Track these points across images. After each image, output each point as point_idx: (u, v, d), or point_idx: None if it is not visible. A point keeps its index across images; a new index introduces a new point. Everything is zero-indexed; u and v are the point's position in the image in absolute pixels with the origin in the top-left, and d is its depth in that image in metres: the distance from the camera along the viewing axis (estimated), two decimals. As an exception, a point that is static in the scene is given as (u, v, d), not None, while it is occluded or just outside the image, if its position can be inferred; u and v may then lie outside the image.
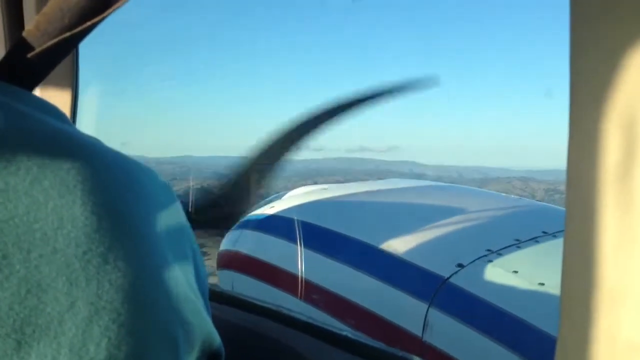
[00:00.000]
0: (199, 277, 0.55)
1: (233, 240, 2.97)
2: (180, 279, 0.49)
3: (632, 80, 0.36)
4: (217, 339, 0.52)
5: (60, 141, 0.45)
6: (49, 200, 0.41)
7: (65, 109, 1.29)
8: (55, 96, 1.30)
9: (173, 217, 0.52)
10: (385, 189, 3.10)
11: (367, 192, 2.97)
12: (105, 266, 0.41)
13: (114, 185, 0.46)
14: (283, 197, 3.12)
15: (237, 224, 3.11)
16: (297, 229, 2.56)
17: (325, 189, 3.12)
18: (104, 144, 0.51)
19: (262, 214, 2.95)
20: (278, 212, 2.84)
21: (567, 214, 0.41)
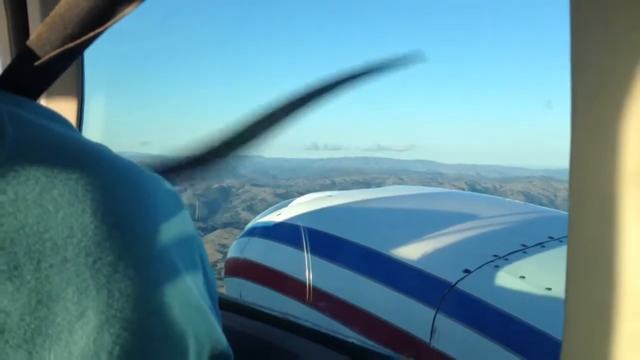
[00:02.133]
0: (208, 284, 0.56)
1: (240, 248, 2.97)
2: (190, 287, 0.49)
3: (629, 81, 0.36)
4: (227, 347, 0.53)
5: (67, 150, 0.45)
6: (59, 209, 0.41)
7: (71, 115, 1.29)
8: (61, 103, 1.31)
9: (181, 224, 0.52)
10: (390, 196, 3.10)
11: (373, 199, 2.97)
12: (115, 275, 0.41)
13: (123, 193, 0.46)
14: (289, 205, 3.13)
15: (244, 232, 3.12)
16: (303, 235, 2.56)
17: (330, 196, 3.12)
18: (111, 151, 0.51)
19: (268, 222, 2.96)
20: (284, 220, 2.85)
21: (570, 216, 0.41)
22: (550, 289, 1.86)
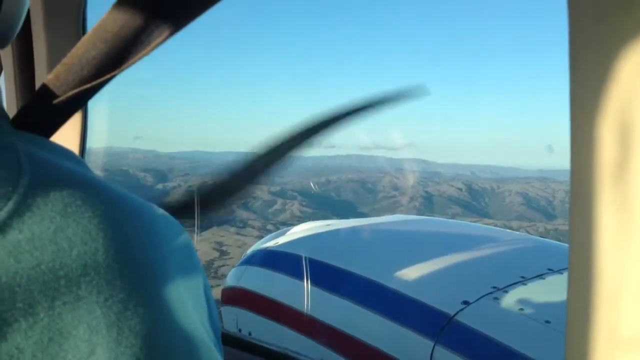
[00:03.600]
0: (212, 319, 0.56)
1: (237, 277, 2.96)
2: (197, 323, 0.49)
3: (628, 82, 0.36)
4: None
5: (81, 188, 0.46)
6: (73, 247, 0.42)
7: (75, 138, 1.30)
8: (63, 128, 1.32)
9: (189, 261, 0.53)
10: (389, 226, 3.10)
11: (371, 229, 2.97)
12: (126, 312, 0.42)
13: (134, 232, 0.47)
14: (287, 233, 3.12)
15: (241, 260, 3.11)
16: (302, 265, 2.55)
17: (328, 225, 3.12)
18: (122, 189, 0.52)
19: (266, 250, 2.95)
20: (282, 248, 2.84)
21: (570, 218, 0.41)
22: (549, 322, 1.86)
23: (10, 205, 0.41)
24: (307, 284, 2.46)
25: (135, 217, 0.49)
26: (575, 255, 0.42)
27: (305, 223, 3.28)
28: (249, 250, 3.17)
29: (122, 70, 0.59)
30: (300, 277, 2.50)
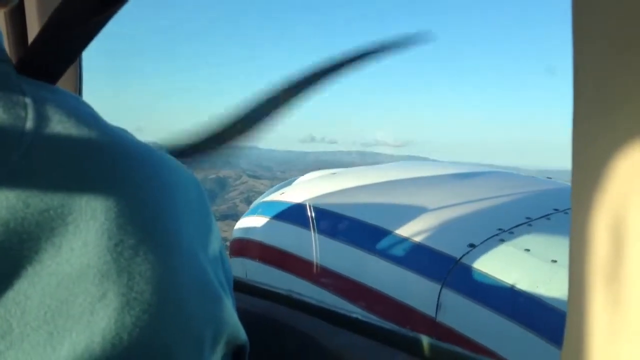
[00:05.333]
0: (225, 269, 0.56)
1: (245, 228, 2.98)
2: (209, 273, 0.49)
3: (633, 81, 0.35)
4: (242, 333, 0.53)
5: (92, 133, 0.45)
6: (83, 193, 0.41)
7: None
8: None
9: (202, 212, 0.52)
10: (394, 171, 3.08)
11: (377, 175, 2.96)
12: (136, 258, 0.42)
13: (146, 179, 0.46)
14: (293, 183, 3.12)
15: (249, 211, 3.12)
16: (308, 214, 2.56)
17: (334, 173, 3.11)
18: (132, 135, 0.51)
19: (272, 201, 2.95)
20: (288, 199, 2.84)
21: (572, 207, 0.40)
22: (556, 261, 1.86)
23: (20, 149, 0.40)
24: (313, 233, 2.47)
25: (147, 163, 0.48)
26: (577, 202, 0.41)
27: (311, 172, 3.27)
28: (255, 202, 3.18)
29: (114, 13, 0.57)
30: (306, 226, 2.52)
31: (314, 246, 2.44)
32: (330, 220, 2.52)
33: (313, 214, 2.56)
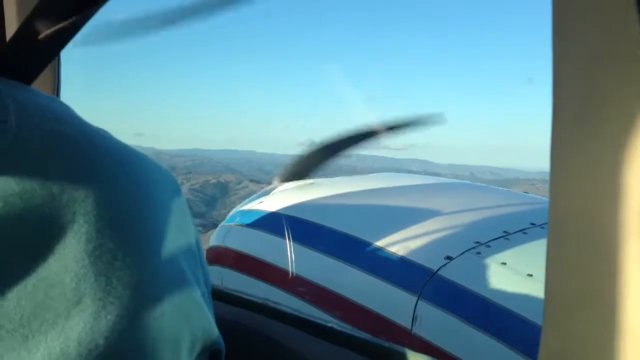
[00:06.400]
0: (204, 274, 0.56)
1: (222, 236, 2.96)
2: (188, 278, 0.49)
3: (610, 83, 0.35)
4: (219, 339, 0.53)
5: (71, 133, 0.45)
6: (63, 193, 0.41)
7: None
8: None
9: (180, 214, 0.52)
10: (374, 183, 3.09)
11: (356, 186, 2.96)
12: (115, 262, 0.41)
13: (126, 181, 0.46)
14: (271, 192, 3.11)
15: (226, 219, 3.10)
16: (284, 223, 2.55)
17: (312, 183, 3.11)
18: (113, 136, 0.51)
19: (250, 210, 2.94)
20: (267, 207, 2.83)
21: (550, 212, 0.40)
22: (531, 275, 1.87)
23: (1, 150, 0.40)
24: (290, 242, 2.46)
25: (127, 164, 0.48)
26: (554, 211, 0.41)
27: (289, 182, 3.27)
28: (233, 210, 3.17)
29: (93, 13, 0.57)
30: (283, 235, 2.51)
31: (290, 255, 2.43)
32: (308, 230, 2.52)
33: (290, 223, 2.56)
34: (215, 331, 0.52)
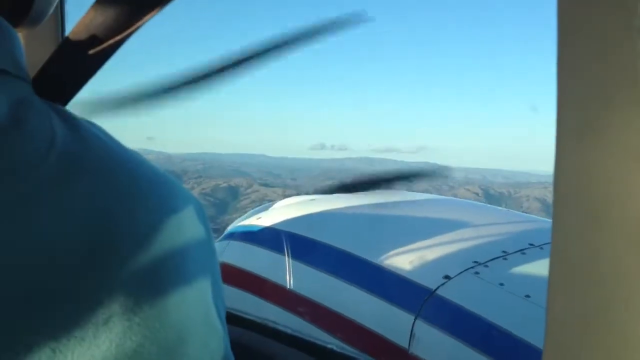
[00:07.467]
0: (220, 296, 0.57)
1: (220, 252, 2.95)
2: (209, 302, 0.50)
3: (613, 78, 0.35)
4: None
5: (111, 163, 0.46)
6: (106, 221, 0.42)
7: None
8: None
9: (203, 236, 0.53)
10: (373, 201, 3.09)
11: (355, 204, 2.96)
12: (144, 283, 0.42)
13: (161, 205, 0.47)
14: (270, 208, 3.11)
15: (223, 235, 3.09)
16: (283, 239, 2.54)
17: (313, 199, 3.11)
18: (145, 159, 0.51)
19: (248, 225, 2.93)
20: (265, 223, 2.83)
21: (553, 225, 0.41)
22: (529, 296, 1.87)
23: (40, 176, 0.40)
24: (288, 259, 2.45)
25: (163, 190, 0.49)
26: (555, 262, 0.41)
27: (289, 198, 3.27)
28: (231, 225, 3.16)
29: (133, 32, 0.58)
30: (281, 251, 2.50)
31: (288, 272, 2.43)
32: (306, 247, 2.51)
33: (289, 240, 2.55)
34: (231, 356, 0.53)
